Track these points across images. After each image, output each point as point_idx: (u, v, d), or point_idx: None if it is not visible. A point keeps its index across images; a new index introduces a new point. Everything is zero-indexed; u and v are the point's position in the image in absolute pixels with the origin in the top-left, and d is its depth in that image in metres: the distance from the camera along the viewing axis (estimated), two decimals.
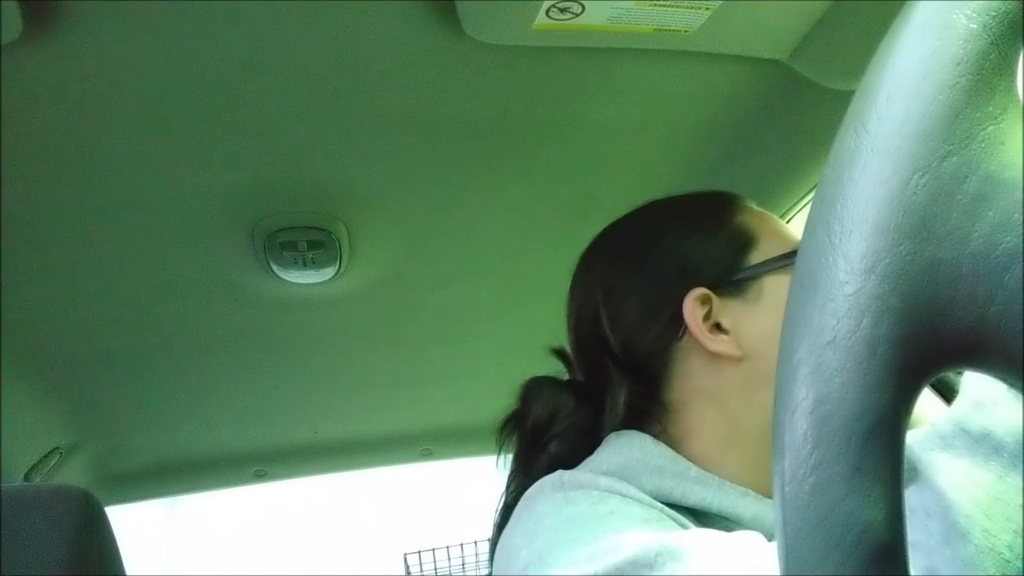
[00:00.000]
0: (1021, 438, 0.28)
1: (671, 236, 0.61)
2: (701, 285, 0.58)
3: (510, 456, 0.65)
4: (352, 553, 4.40)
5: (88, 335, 1.08)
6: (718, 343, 0.57)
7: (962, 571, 0.27)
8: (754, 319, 0.58)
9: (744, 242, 0.60)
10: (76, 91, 0.66)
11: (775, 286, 0.58)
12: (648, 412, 0.59)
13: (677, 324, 0.58)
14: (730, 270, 0.59)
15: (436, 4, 0.62)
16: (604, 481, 0.51)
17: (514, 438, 0.65)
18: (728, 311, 0.58)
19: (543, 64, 0.71)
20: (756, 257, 0.59)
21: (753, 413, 0.57)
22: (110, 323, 1.06)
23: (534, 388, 0.64)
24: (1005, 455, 0.28)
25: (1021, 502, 0.27)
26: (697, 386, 0.58)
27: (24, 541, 0.69)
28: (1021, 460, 0.28)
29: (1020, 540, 0.27)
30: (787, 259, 0.58)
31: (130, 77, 0.66)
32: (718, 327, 0.58)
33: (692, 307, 0.57)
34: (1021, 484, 0.28)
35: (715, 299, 0.58)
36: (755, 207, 0.65)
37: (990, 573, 0.27)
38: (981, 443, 0.29)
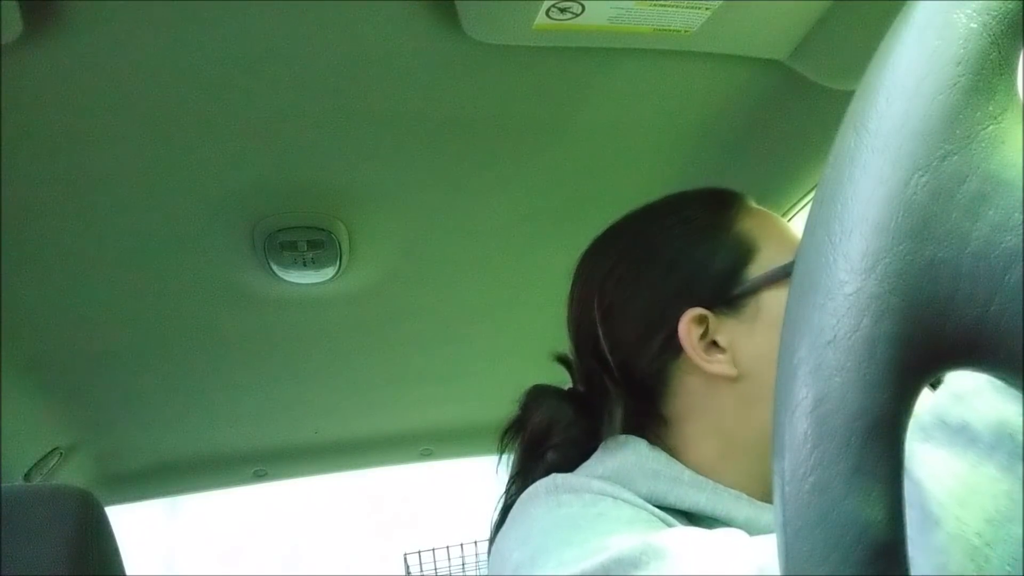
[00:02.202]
0: (997, 430, 0.29)
1: (668, 250, 0.60)
2: (697, 303, 0.57)
3: (510, 458, 0.66)
4: (352, 553, 4.40)
5: (88, 335, 1.08)
6: (714, 364, 0.57)
7: (934, 556, 0.28)
8: (751, 338, 0.57)
9: (743, 253, 0.59)
10: (76, 91, 0.66)
11: (773, 300, 0.57)
12: (645, 425, 0.60)
13: (674, 344, 0.58)
14: (726, 287, 0.58)
15: (436, 4, 0.62)
16: (597, 484, 0.52)
17: (515, 444, 0.65)
18: (725, 329, 0.57)
19: (543, 64, 0.71)
20: (755, 269, 0.58)
21: (749, 429, 0.57)
22: (110, 323, 1.06)
23: (535, 396, 0.65)
24: (980, 446, 0.29)
25: (993, 492, 0.28)
26: (694, 403, 0.58)
27: (24, 541, 0.69)
28: (995, 451, 0.29)
29: (990, 528, 0.27)
30: (786, 270, 0.57)
31: (130, 77, 0.66)
32: (715, 345, 0.57)
33: (688, 328, 0.57)
34: (993, 474, 0.28)
35: (712, 318, 0.57)
36: (757, 207, 0.64)
37: (959, 558, 0.27)
38: (959, 434, 0.30)
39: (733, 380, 0.57)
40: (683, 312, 0.57)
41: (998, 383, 0.29)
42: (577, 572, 0.42)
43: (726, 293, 0.58)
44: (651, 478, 0.54)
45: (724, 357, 0.57)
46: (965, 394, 0.30)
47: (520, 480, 0.62)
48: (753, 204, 0.64)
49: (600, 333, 0.60)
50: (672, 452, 0.58)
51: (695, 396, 0.58)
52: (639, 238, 0.63)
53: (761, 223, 0.61)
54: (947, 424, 0.30)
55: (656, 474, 0.55)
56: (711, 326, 0.57)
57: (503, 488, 0.64)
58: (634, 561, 0.40)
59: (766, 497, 0.55)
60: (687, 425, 0.59)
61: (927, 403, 0.32)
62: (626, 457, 0.56)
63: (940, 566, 0.27)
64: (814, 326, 0.21)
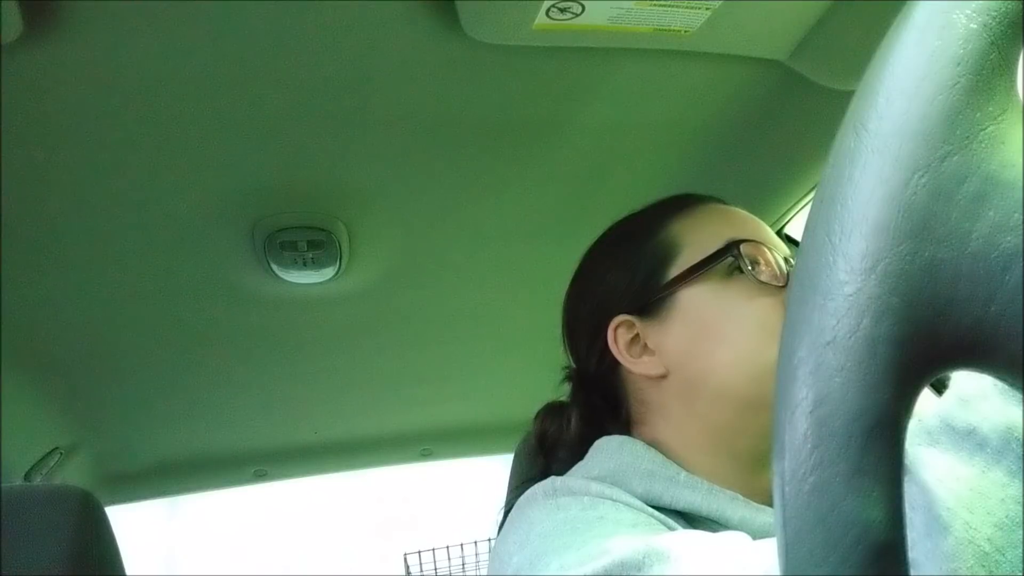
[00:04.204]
0: (1005, 435, 0.29)
1: (603, 265, 0.66)
2: (622, 311, 0.62)
3: (510, 457, 0.68)
4: (352, 553, 4.40)
5: (88, 335, 1.08)
6: (640, 364, 0.61)
7: (943, 563, 0.27)
8: (670, 337, 0.60)
9: (662, 258, 0.62)
10: (76, 91, 0.66)
11: (688, 299, 0.60)
12: (608, 426, 0.63)
13: (610, 351, 0.62)
14: (645, 292, 0.61)
15: (436, 4, 0.62)
16: (595, 487, 0.52)
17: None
18: (651, 332, 0.61)
19: (543, 64, 0.71)
20: (673, 271, 0.61)
21: (696, 422, 0.59)
22: (110, 323, 1.06)
23: (539, 413, 0.70)
24: (988, 451, 0.29)
25: (1002, 496, 0.28)
26: (646, 401, 0.62)
27: (24, 541, 0.69)
28: (1004, 456, 0.28)
29: (1000, 533, 0.27)
30: (697, 269, 0.59)
31: (130, 77, 0.66)
32: (646, 348, 0.61)
33: (613, 335, 0.62)
34: (1002, 479, 0.28)
35: (638, 322, 0.61)
36: (710, 207, 0.65)
37: (969, 564, 0.27)
38: (966, 439, 0.30)
39: (663, 378, 0.60)
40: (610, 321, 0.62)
41: (1003, 386, 0.29)
42: (579, 575, 0.42)
43: (645, 298, 0.61)
44: (647, 478, 0.55)
45: (650, 358, 0.60)
46: (971, 398, 0.30)
47: (523, 488, 0.63)
48: (708, 206, 0.65)
49: (566, 345, 0.68)
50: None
51: (644, 394, 0.62)
52: (590, 256, 0.69)
53: (693, 224, 0.63)
54: (954, 429, 0.30)
55: (651, 474, 0.55)
56: (640, 331, 0.61)
57: (506, 493, 0.65)
58: (637, 564, 0.40)
59: (742, 490, 0.56)
60: (648, 424, 0.62)
61: (933, 407, 0.32)
62: (622, 457, 0.57)
63: (950, 572, 0.27)
64: (814, 326, 0.21)
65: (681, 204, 0.66)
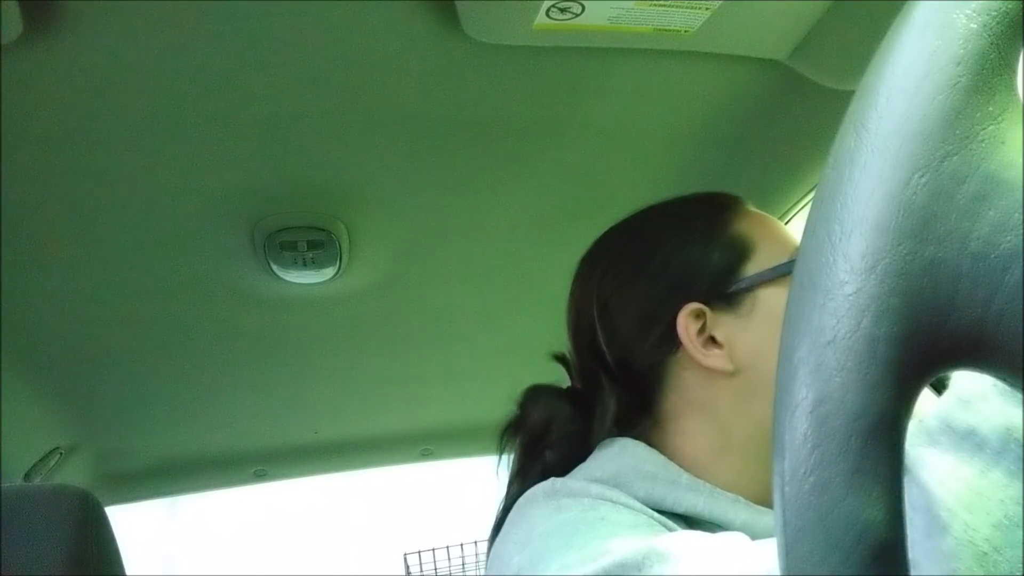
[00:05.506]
0: (1004, 435, 0.29)
1: (666, 248, 0.61)
2: (695, 299, 0.58)
3: (509, 458, 0.66)
4: (352, 553, 4.40)
5: (88, 335, 1.08)
6: (711, 358, 0.57)
7: (942, 563, 0.28)
8: (747, 333, 0.58)
9: (740, 252, 0.59)
10: (76, 91, 0.66)
11: (769, 298, 0.58)
12: (638, 422, 0.60)
13: (671, 338, 0.58)
14: (724, 283, 0.59)
15: (436, 4, 0.62)
16: (595, 488, 0.52)
17: (514, 444, 0.65)
18: (722, 325, 0.58)
19: (543, 64, 0.71)
20: (752, 268, 0.59)
21: (744, 423, 0.58)
22: (110, 323, 1.06)
23: (532, 396, 0.65)
24: (988, 452, 0.29)
25: (1001, 497, 0.28)
26: (690, 398, 0.59)
27: (24, 541, 0.69)
28: (1003, 457, 0.29)
29: (998, 534, 0.27)
30: (782, 269, 0.58)
31: (130, 77, 0.66)
32: (712, 340, 0.58)
33: (685, 322, 0.58)
34: (1001, 480, 0.28)
35: (709, 313, 0.58)
36: (755, 210, 0.65)
37: (968, 564, 0.27)
38: (966, 439, 0.30)
39: (730, 375, 0.57)
40: (681, 307, 0.58)
41: (1003, 387, 0.29)
42: (580, 575, 0.42)
43: (723, 289, 0.58)
44: (648, 481, 0.54)
45: (721, 352, 0.58)
46: (971, 399, 0.30)
47: (519, 481, 0.62)
48: (750, 207, 0.65)
49: (598, 328, 0.61)
50: (667, 448, 0.58)
51: (692, 391, 0.59)
52: (637, 237, 0.64)
53: (758, 225, 0.62)
54: (953, 429, 0.30)
55: (653, 477, 0.55)
56: (708, 321, 0.58)
57: (505, 489, 0.64)
58: (637, 564, 0.40)
59: (760, 494, 0.55)
60: (682, 421, 0.59)
61: (933, 408, 0.32)
62: (624, 460, 0.56)
63: (949, 571, 0.27)
64: (814, 326, 0.21)
65: (731, 202, 0.64)
